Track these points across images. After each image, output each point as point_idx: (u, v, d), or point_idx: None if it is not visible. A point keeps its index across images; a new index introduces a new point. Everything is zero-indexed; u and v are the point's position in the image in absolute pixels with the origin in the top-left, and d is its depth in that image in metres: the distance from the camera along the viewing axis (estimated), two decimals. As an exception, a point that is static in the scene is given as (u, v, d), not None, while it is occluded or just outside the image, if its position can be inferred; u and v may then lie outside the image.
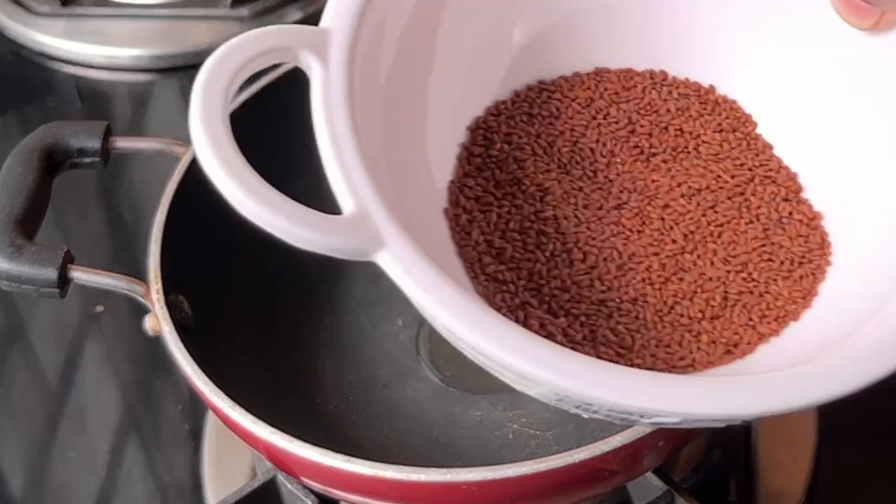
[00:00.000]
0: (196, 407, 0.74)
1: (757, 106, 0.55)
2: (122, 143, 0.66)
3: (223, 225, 0.67)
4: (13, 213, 0.60)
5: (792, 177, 0.54)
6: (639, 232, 0.52)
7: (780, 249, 0.52)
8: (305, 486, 0.60)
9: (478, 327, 0.43)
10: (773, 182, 0.54)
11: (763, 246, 0.52)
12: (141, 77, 0.94)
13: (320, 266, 0.72)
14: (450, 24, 0.54)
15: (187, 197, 0.64)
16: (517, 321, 0.48)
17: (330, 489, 0.57)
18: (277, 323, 0.69)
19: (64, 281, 0.59)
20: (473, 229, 0.51)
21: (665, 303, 0.50)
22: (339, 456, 0.54)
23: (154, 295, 0.60)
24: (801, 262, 0.51)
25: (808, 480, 0.68)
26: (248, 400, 0.57)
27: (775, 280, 0.51)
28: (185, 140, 0.66)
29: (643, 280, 0.50)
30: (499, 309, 0.49)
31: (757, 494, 0.68)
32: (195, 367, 0.57)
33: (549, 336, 0.48)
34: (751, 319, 0.50)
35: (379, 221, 0.44)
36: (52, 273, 0.58)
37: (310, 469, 0.55)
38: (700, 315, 0.50)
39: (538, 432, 0.64)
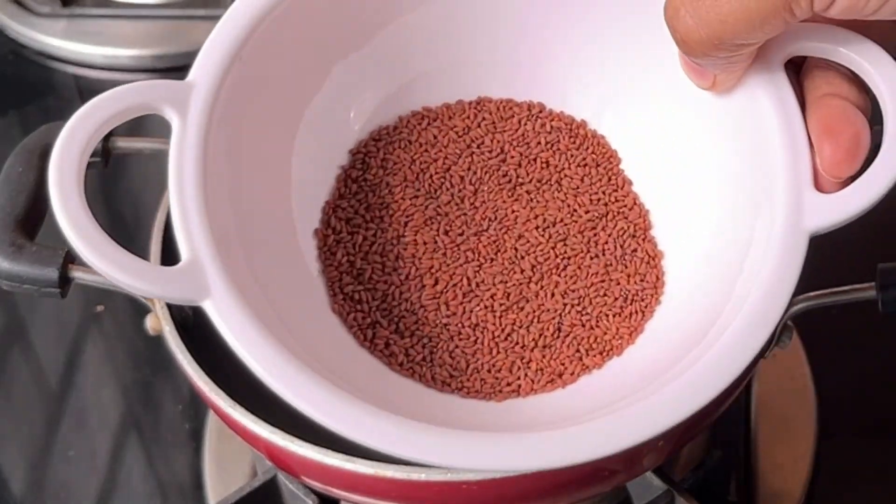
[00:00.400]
0: (197, 406, 0.74)
1: (624, 143, 0.58)
2: (122, 143, 0.66)
3: (224, 225, 0.68)
4: (14, 213, 0.60)
5: (643, 214, 0.57)
6: (492, 260, 0.55)
7: (617, 286, 0.54)
8: (306, 486, 0.60)
9: (279, 377, 0.47)
10: (625, 218, 0.56)
11: (602, 282, 0.55)
12: (141, 77, 0.94)
13: (321, 266, 0.72)
14: (322, 73, 0.57)
15: (188, 197, 0.64)
16: (365, 339, 0.53)
17: (330, 488, 0.57)
18: (278, 323, 0.69)
19: (65, 281, 0.59)
20: (339, 250, 0.55)
21: (503, 330, 0.54)
22: (340, 455, 0.54)
23: (155, 295, 0.60)
24: (633, 300, 0.54)
25: (807, 480, 0.68)
26: (249, 399, 0.57)
27: (607, 315, 0.54)
28: (186, 140, 0.66)
29: (486, 307, 0.54)
30: (350, 327, 0.54)
31: (757, 494, 0.68)
32: (196, 366, 0.57)
33: (392, 355, 0.53)
34: (578, 351, 0.53)
35: (208, 272, 0.48)
36: (53, 273, 0.59)
37: (310, 468, 0.55)
38: (533, 344, 0.53)
39: (538, 432, 0.65)
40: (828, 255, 0.71)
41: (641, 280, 0.54)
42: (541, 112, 0.59)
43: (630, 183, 0.57)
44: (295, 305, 0.52)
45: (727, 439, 0.68)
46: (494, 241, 0.55)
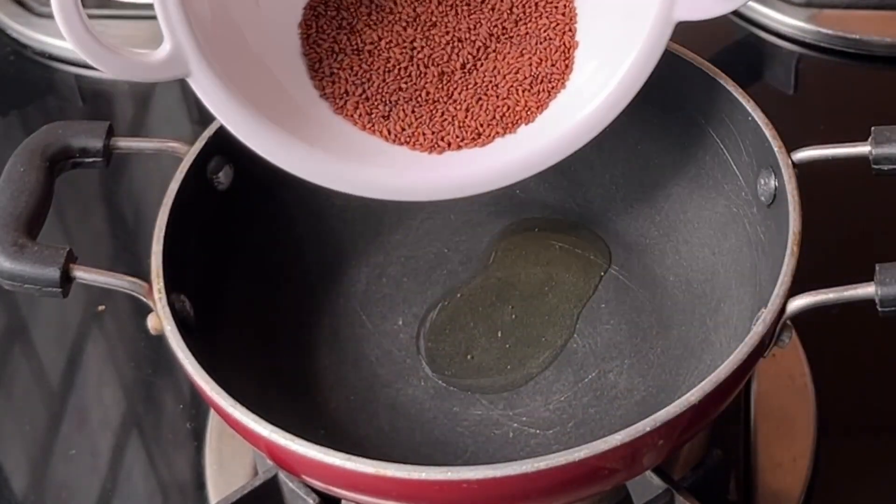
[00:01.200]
0: (198, 406, 0.74)
1: None
2: (124, 143, 0.66)
3: (225, 225, 0.68)
4: (16, 213, 0.60)
5: (571, 7, 0.65)
6: (444, 42, 0.65)
7: (529, 68, 0.64)
8: (307, 485, 0.60)
9: (240, 127, 0.60)
10: (555, 8, 0.65)
11: (518, 65, 0.64)
12: (142, 77, 0.94)
13: (321, 266, 0.72)
14: None
15: (189, 197, 0.64)
16: (338, 106, 0.64)
17: (331, 487, 0.57)
18: (279, 322, 0.70)
19: (66, 280, 0.59)
20: (323, 42, 0.65)
21: (442, 101, 0.65)
22: (341, 454, 0.54)
23: (156, 294, 0.60)
24: (542, 81, 0.64)
25: (806, 479, 0.68)
26: (250, 399, 0.57)
27: (517, 91, 0.64)
28: (187, 140, 0.67)
29: (433, 84, 0.65)
30: (327, 97, 0.64)
31: (756, 493, 0.68)
32: (197, 366, 0.58)
33: (360, 116, 0.64)
34: (494, 117, 0.64)
35: (189, 56, 0.59)
36: (54, 272, 0.59)
37: (311, 467, 0.56)
38: (462, 111, 0.64)
39: (538, 431, 0.65)
40: (828, 255, 0.71)
41: (552, 66, 0.64)
42: None
43: None
44: (265, 76, 0.63)
45: (727, 438, 0.68)
46: (446, 33, 0.65)
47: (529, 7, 0.66)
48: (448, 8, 0.66)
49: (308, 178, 0.62)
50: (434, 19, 0.66)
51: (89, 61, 0.58)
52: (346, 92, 0.64)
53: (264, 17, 0.65)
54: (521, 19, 0.66)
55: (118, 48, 0.59)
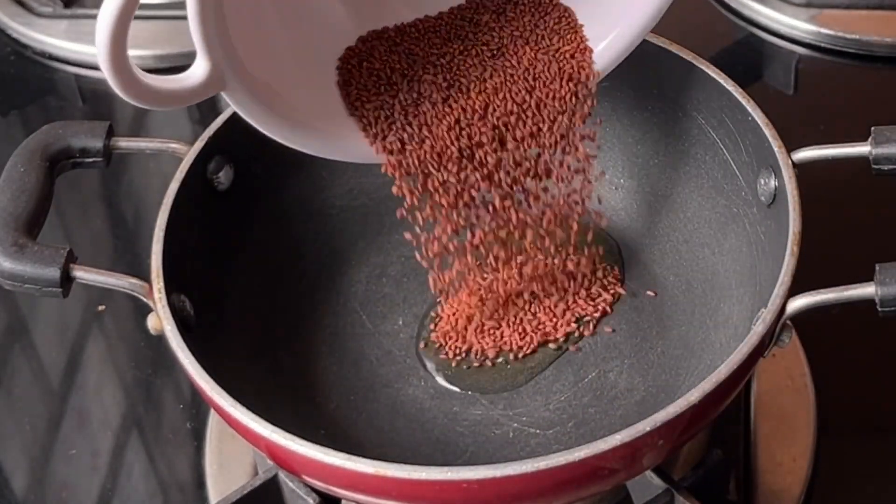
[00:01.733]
0: (198, 406, 0.75)
1: None
2: (124, 143, 0.66)
3: (225, 225, 0.68)
4: (16, 213, 0.61)
5: (584, 42, 0.65)
6: (469, 70, 0.65)
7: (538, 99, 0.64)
8: (307, 485, 0.60)
9: (278, 131, 0.60)
10: (566, 43, 0.65)
11: (525, 103, 0.64)
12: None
13: (321, 266, 0.72)
14: None
15: (189, 197, 0.65)
16: (375, 120, 0.64)
17: (331, 487, 0.57)
18: (279, 322, 0.70)
19: (66, 280, 0.59)
20: (362, 76, 0.65)
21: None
22: (341, 454, 0.54)
23: (156, 294, 0.60)
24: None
25: (806, 479, 0.68)
26: (250, 398, 0.57)
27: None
28: (187, 140, 0.67)
29: (461, 108, 0.64)
30: (366, 132, 0.64)
31: (756, 493, 0.68)
32: (197, 365, 0.58)
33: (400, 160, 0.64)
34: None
35: (227, 74, 0.58)
36: (54, 272, 0.59)
37: (311, 467, 0.56)
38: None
39: (538, 431, 0.65)
40: (828, 255, 0.71)
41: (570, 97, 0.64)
42: None
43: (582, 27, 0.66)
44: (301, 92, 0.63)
45: (727, 438, 0.68)
46: (465, 59, 0.65)
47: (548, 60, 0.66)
48: (469, 49, 0.66)
49: (363, 162, 0.64)
50: (457, 62, 0.66)
51: (135, 103, 0.56)
52: (386, 131, 0.64)
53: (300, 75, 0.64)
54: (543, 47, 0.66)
55: (159, 81, 0.57)
